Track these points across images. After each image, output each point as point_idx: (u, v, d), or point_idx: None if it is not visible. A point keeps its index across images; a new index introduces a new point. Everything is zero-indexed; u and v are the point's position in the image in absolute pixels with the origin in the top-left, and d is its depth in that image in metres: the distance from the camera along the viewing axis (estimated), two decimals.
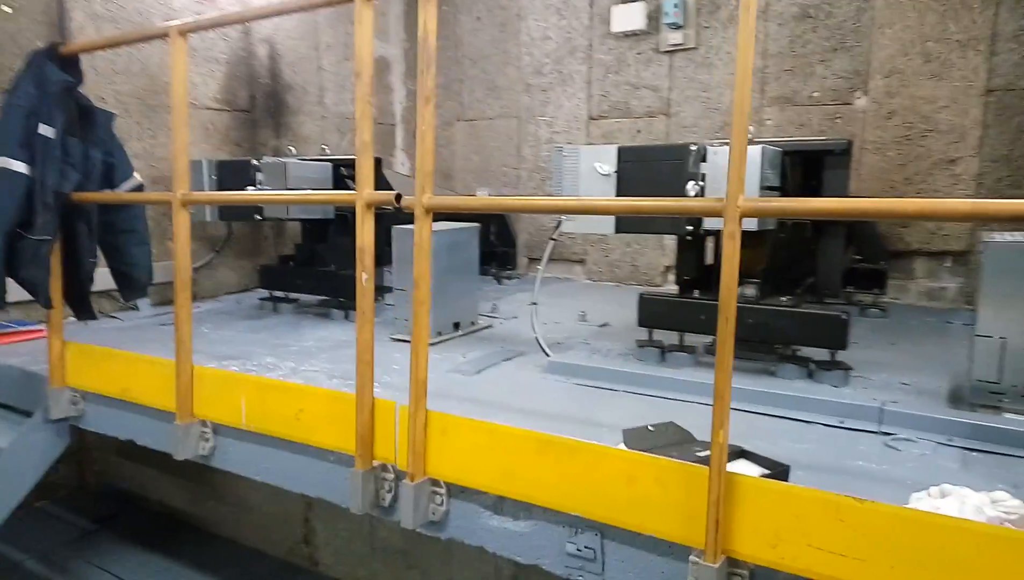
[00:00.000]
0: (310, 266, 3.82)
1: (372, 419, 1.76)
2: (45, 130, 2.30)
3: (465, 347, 3.01)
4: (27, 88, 2.30)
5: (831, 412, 2.08)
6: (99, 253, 2.60)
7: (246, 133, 4.48)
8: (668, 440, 1.71)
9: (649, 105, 4.55)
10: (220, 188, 3.73)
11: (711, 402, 2.24)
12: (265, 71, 4.57)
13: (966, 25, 3.59)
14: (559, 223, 2.71)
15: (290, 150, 3.89)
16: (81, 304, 2.52)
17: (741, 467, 1.59)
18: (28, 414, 2.79)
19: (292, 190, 3.48)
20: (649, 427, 1.76)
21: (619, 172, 2.53)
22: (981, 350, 2.01)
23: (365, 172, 1.70)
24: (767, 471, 1.57)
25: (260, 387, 1.98)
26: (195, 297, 4.18)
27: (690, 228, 2.50)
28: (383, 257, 3.86)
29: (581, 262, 4.97)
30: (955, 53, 3.62)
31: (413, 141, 5.74)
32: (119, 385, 2.32)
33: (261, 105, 4.56)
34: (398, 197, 1.68)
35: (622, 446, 1.76)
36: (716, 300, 2.65)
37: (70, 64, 2.39)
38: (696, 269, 2.85)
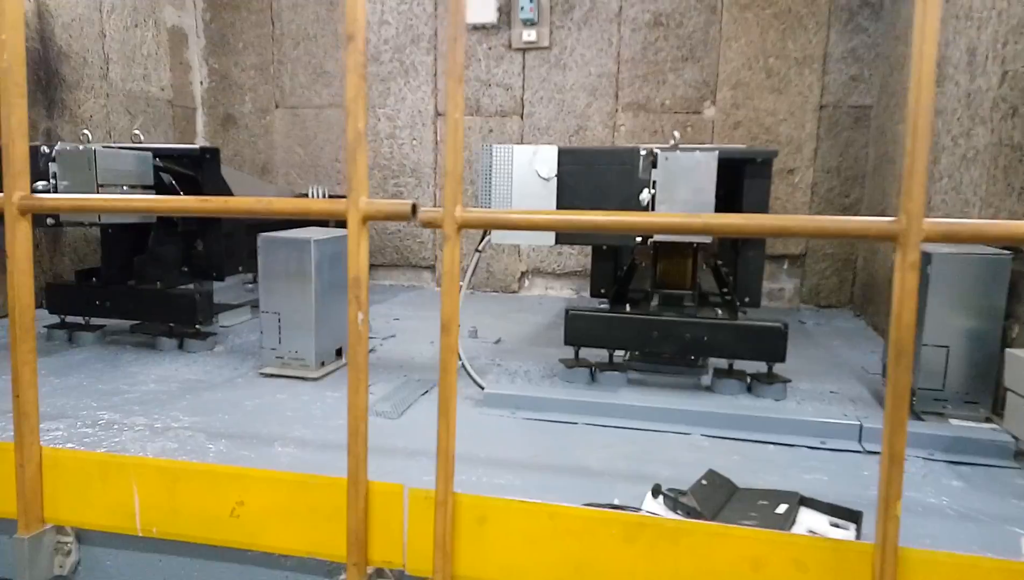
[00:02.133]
0: (122, 283, 3.00)
1: (367, 510, 1.30)
2: None
3: None
4: None
5: (808, 432, 2.03)
6: None
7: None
8: (726, 496, 1.49)
9: (501, 104, 4.33)
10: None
11: (680, 429, 2.12)
12: (32, 32, 3.54)
13: (802, 44, 3.88)
14: (485, 234, 2.38)
15: (84, 135, 3.02)
16: None
17: (810, 520, 1.42)
18: None
19: (103, 185, 2.69)
20: (703, 482, 1.53)
21: (559, 176, 2.26)
22: (928, 359, 2.09)
23: (360, 173, 1.24)
24: (838, 520, 1.42)
25: (163, 472, 1.38)
26: None
27: (639, 240, 2.32)
28: (217, 262, 3.18)
29: (431, 268, 4.61)
30: (793, 70, 3.91)
31: (219, 129, 4.92)
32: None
33: (29, 77, 3.51)
34: (414, 208, 1.25)
35: (657, 503, 1.51)
36: (649, 314, 2.53)
37: None
38: (617, 281, 2.69)
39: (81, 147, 2.68)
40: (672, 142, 2.42)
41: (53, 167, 2.68)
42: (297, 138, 4.73)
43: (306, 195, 4.40)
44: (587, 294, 4.33)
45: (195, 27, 4.76)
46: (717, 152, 2.19)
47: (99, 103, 3.94)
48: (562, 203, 2.26)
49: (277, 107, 4.74)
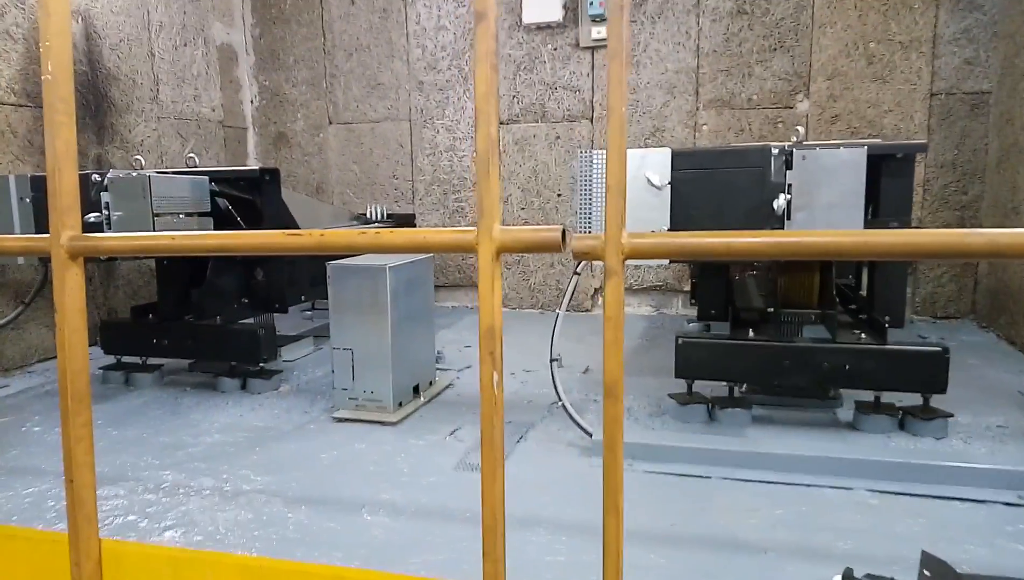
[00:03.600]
0: (179, 318, 2.78)
1: None
2: None
3: (441, 421, 2.25)
4: None
5: (999, 483, 1.66)
6: None
7: None
8: None
9: (569, 108, 4.03)
10: (38, 214, 2.59)
11: (837, 482, 1.76)
12: (80, 55, 3.38)
13: (908, 26, 3.49)
14: None
15: (137, 161, 2.83)
16: None
17: None
18: None
19: (158, 214, 2.47)
20: (925, 572, 1.18)
21: (673, 183, 1.94)
22: None
23: (493, 193, 0.95)
24: None
25: (246, 572, 1.11)
26: None
27: None
28: (279, 292, 2.94)
29: None
30: (898, 55, 3.52)
31: (271, 148, 4.73)
32: None
33: (77, 101, 3.35)
34: (564, 234, 0.94)
35: None
36: (777, 341, 2.18)
37: None
38: (728, 300, 2.35)
39: (135, 174, 2.47)
40: (794, 139, 2.08)
41: (105, 196, 2.47)
42: (352, 155, 4.50)
43: (364, 215, 4.17)
44: (669, 312, 3.99)
45: (244, 44, 4.59)
46: (866, 148, 1.84)
47: (150, 127, 3.77)
48: (677, 214, 1.94)
49: (331, 123, 4.52)
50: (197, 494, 1.74)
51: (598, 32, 3.91)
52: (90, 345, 3.34)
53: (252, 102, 4.65)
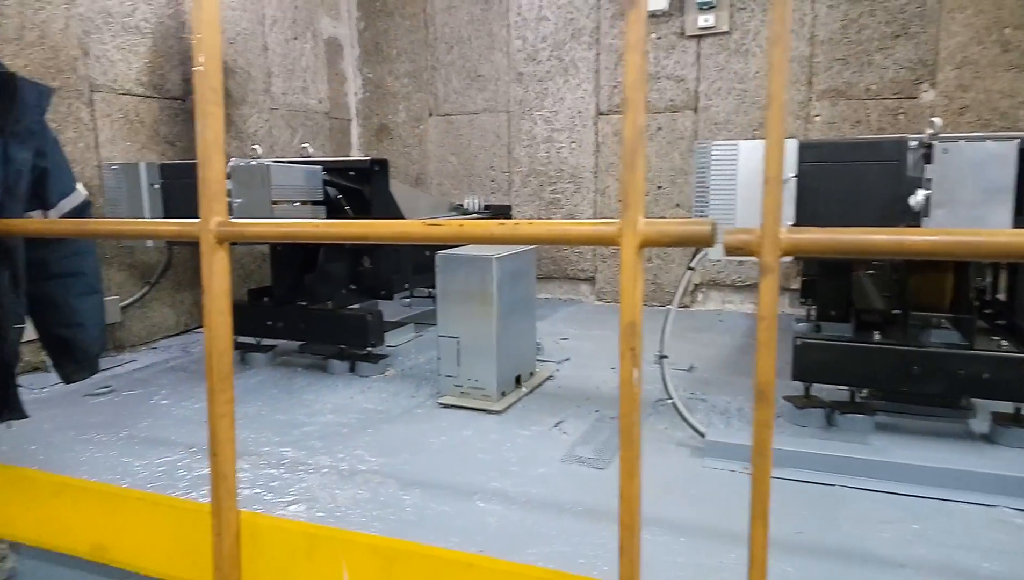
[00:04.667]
0: (292, 303, 2.89)
1: None
2: None
3: (545, 412, 2.24)
4: None
5: None
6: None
7: (180, 128, 3.45)
8: None
9: (672, 98, 3.93)
10: (167, 200, 2.75)
11: (976, 498, 1.64)
12: None
13: None
14: (698, 249, 2.01)
15: (254, 150, 2.96)
16: (3, 397, 1.54)
17: None
18: None
19: (276, 201, 2.57)
20: None
21: (799, 176, 1.86)
22: None
23: (638, 185, 0.92)
24: None
25: (376, 552, 1.13)
26: (124, 346, 3.14)
27: None
28: (385, 280, 3.01)
29: (589, 281, 4.28)
30: None
31: (373, 139, 4.85)
32: (89, 539, 1.39)
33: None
34: (713, 228, 0.91)
35: None
36: (908, 345, 2.06)
37: None
38: (849, 301, 2.24)
39: (254, 163, 2.58)
40: (930, 131, 1.94)
41: (228, 185, 2.59)
42: (450, 146, 4.56)
43: (461, 206, 4.22)
44: (777, 309, 3.84)
45: (350, 37, 4.71)
46: (1017, 141, 1.70)
47: (262, 117, 3.94)
48: (802, 208, 1.86)
49: (431, 115, 4.59)
50: (316, 471, 1.81)
51: (705, 20, 3.79)
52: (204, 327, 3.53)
53: (356, 94, 4.77)
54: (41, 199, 1.61)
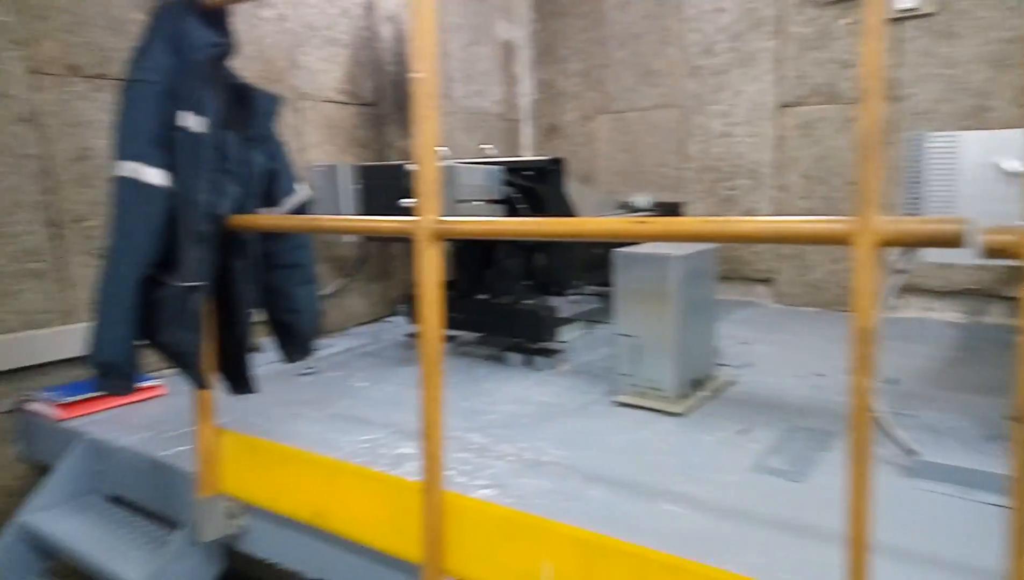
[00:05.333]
0: (472, 297, 3.02)
1: None
2: (190, 120, 1.52)
3: (729, 418, 2.16)
4: (157, 56, 1.52)
5: None
6: None
7: (372, 132, 3.72)
8: None
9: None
10: (366, 199, 2.96)
11: None
12: (391, 56, 3.80)
13: None
14: (909, 249, 1.85)
15: (440, 153, 3.12)
16: (237, 374, 1.75)
17: None
18: (163, 519, 2.05)
19: (461, 200, 2.69)
20: None
21: None
22: None
23: (874, 182, 0.87)
24: None
25: (579, 545, 1.16)
26: (323, 332, 3.44)
27: None
28: (559, 276, 3.06)
29: (767, 281, 4.08)
30: None
31: (543, 139, 4.94)
32: (309, 504, 1.54)
33: (388, 97, 3.79)
34: (971, 229, 0.84)
35: None
36: None
37: (214, 22, 1.61)
38: None
39: (442, 164, 2.71)
40: None
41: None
42: (620, 144, 4.53)
43: (629, 203, 4.17)
44: (984, 319, 3.44)
45: (524, 39, 4.82)
46: None
47: (442, 121, 4.13)
48: None
49: (601, 113, 4.59)
50: (501, 458, 1.87)
51: (906, 2, 3.47)
52: (393, 315, 3.78)
53: (528, 95, 4.88)
54: (269, 198, 1.79)
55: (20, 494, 2.48)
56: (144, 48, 1.54)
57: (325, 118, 3.42)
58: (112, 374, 1.52)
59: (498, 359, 2.87)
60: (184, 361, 1.59)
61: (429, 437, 1.29)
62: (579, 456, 1.88)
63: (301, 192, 1.90)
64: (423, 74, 1.32)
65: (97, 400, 2.41)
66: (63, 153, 2.52)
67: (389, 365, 2.92)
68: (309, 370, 2.79)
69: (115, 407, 2.42)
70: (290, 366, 2.67)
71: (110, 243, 1.53)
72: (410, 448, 1.96)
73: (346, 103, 3.55)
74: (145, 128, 1.49)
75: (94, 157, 2.60)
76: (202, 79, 1.52)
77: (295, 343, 1.94)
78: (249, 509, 1.75)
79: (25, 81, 2.39)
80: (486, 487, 1.68)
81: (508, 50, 4.71)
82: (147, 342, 1.57)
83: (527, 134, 4.90)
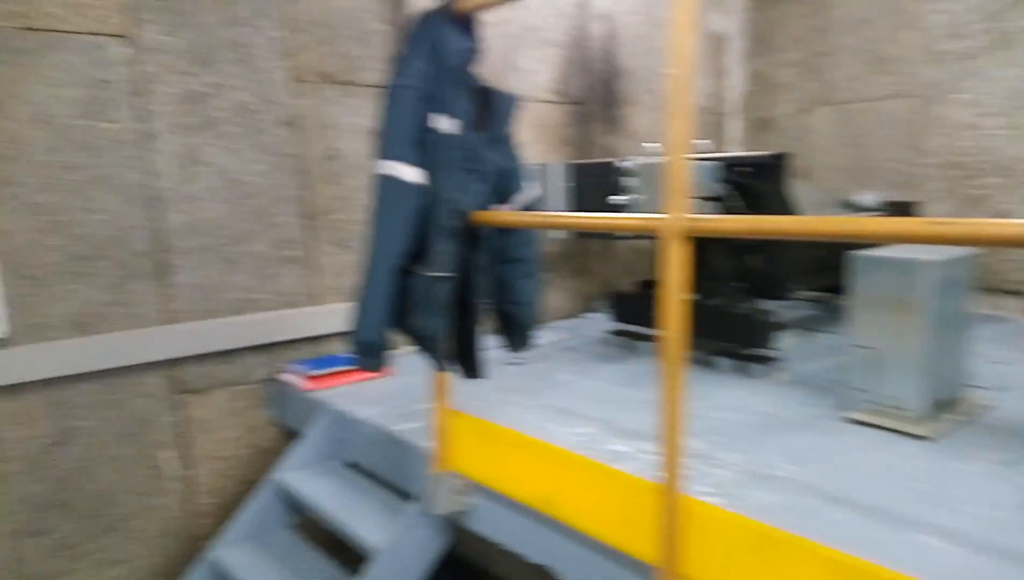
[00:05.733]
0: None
1: None
2: (442, 122, 1.63)
3: (988, 447, 1.91)
4: (418, 62, 1.64)
5: None
6: None
7: (578, 130, 3.76)
8: None
9: None
10: (577, 196, 3.01)
11: None
12: (601, 54, 3.81)
13: None
14: None
15: (647, 147, 3.09)
16: (469, 359, 1.85)
17: None
18: (394, 488, 2.23)
19: None
20: None
21: None
22: None
23: None
24: None
25: (837, 568, 1.09)
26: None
27: None
28: (778, 281, 2.90)
29: (1017, 294, 3.57)
30: None
31: (753, 134, 4.71)
32: (538, 490, 1.60)
33: (595, 95, 3.81)
34: None
35: None
36: None
37: (466, 29, 1.71)
38: None
39: (656, 160, 2.67)
40: None
41: (630, 181, 2.73)
42: (841, 137, 4.19)
43: (851, 202, 3.84)
44: None
45: (736, 30, 4.62)
46: None
47: (648, 116, 4.08)
48: None
49: (820, 105, 4.27)
50: (725, 467, 1.80)
51: None
52: (589, 311, 3.82)
53: (737, 88, 4.67)
54: (502, 195, 1.87)
55: (272, 453, 2.83)
56: (405, 55, 1.67)
57: (536, 117, 3.52)
58: (368, 353, 1.68)
59: (705, 363, 2.78)
60: (428, 344, 1.71)
61: (669, 439, 1.28)
62: (813, 473, 1.76)
63: (531, 190, 1.96)
64: (677, 71, 1.30)
65: (337, 375, 2.68)
66: (316, 152, 2.81)
67: (592, 360, 2.94)
68: (518, 361, 2.89)
69: (352, 382, 2.67)
70: (500, 354, 2.81)
71: (371, 235, 1.68)
72: (624, 446, 1.95)
73: (556, 102, 3.62)
74: (405, 130, 1.61)
75: (340, 157, 2.88)
76: (455, 83, 1.62)
77: (517, 333, 2.01)
78: (477, 488, 1.85)
79: (288, 89, 2.71)
80: (711, 495, 1.63)
81: (718, 41, 4.53)
82: (397, 325, 1.71)
83: (735, 128, 4.69)
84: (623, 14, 3.86)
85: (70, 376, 2.35)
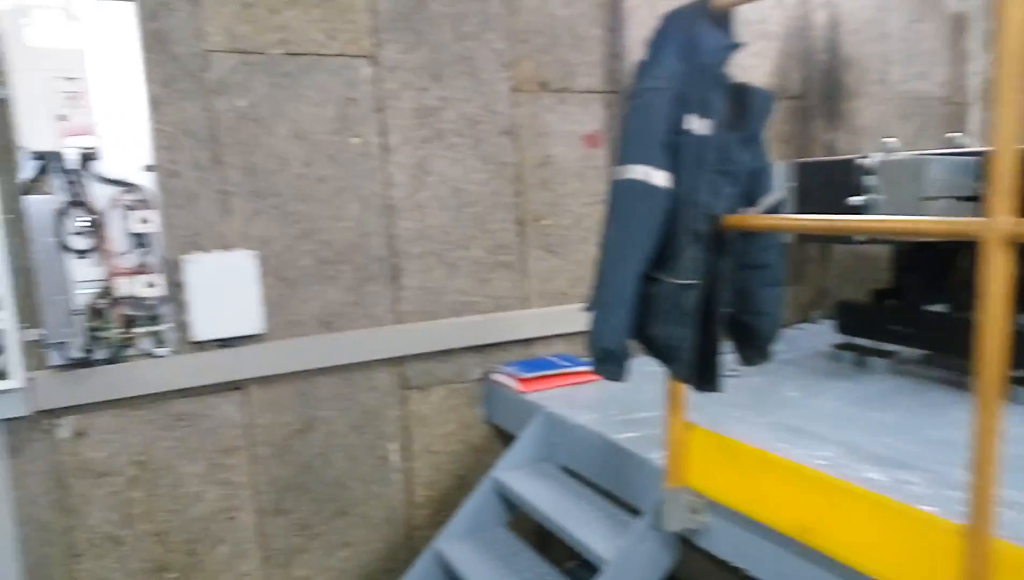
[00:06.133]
0: (918, 309, 2.64)
1: None
2: (695, 124, 1.56)
3: None
4: (669, 63, 1.59)
5: None
6: None
7: (796, 126, 3.52)
8: None
9: None
10: (803, 198, 2.80)
11: None
12: (822, 45, 3.54)
13: None
14: None
15: (889, 144, 2.80)
16: (708, 371, 1.76)
17: None
18: (611, 496, 2.21)
19: (926, 197, 2.36)
20: None
21: None
22: None
23: None
24: None
25: None
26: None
27: None
28: None
29: None
30: None
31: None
32: (792, 516, 1.48)
33: (815, 89, 3.54)
34: None
35: None
36: None
37: (723, 24, 1.62)
38: None
39: (903, 157, 2.41)
40: None
41: (870, 181, 2.49)
42: None
43: None
44: None
45: (979, 10, 4.08)
46: None
47: (875, 110, 3.72)
48: None
49: None
50: (1012, 506, 1.57)
51: None
52: (804, 321, 3.55)
53: (980, 74, 4.13)
54: (750, 197, 1.76)
55: (482, 450, 2.93)
56: (654, 56, 1.63)
57: None
58: (610, 360, 1.65)
59: (958, 384, 2.46)
60: (672, 355, 1.65)
61: (980, 474, 1.11)
62: None
63: (777, 192, 1.83)
64: (1007, 52, 1.13)
65: (549, 378, 2.70)
66: (530, 160, 2.86)
67: (817, 376, 2.72)
68: (732, 372, 2.74)
69: (564, 386, 2.68)
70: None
71: (613, 240, 1.65)
72: (877, 474, 1.77)
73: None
74: (656, 133, 1.57)
75: (552, 163, 2.91)
76: (711, 82, 1.55)
77: (754, 346, 1.89)
78: (713, 506, 1.76)
79: (508, 98, 2.78)
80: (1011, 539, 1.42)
81: (958, 24, 4.03)
82: (636, 335, 1.67)
83: (977, 119, 4.15)
84: (847, 0, 3.56)
85: (314, 370, 2.57)
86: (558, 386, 2.69)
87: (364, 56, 2.49)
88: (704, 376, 1.81)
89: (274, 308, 2.47)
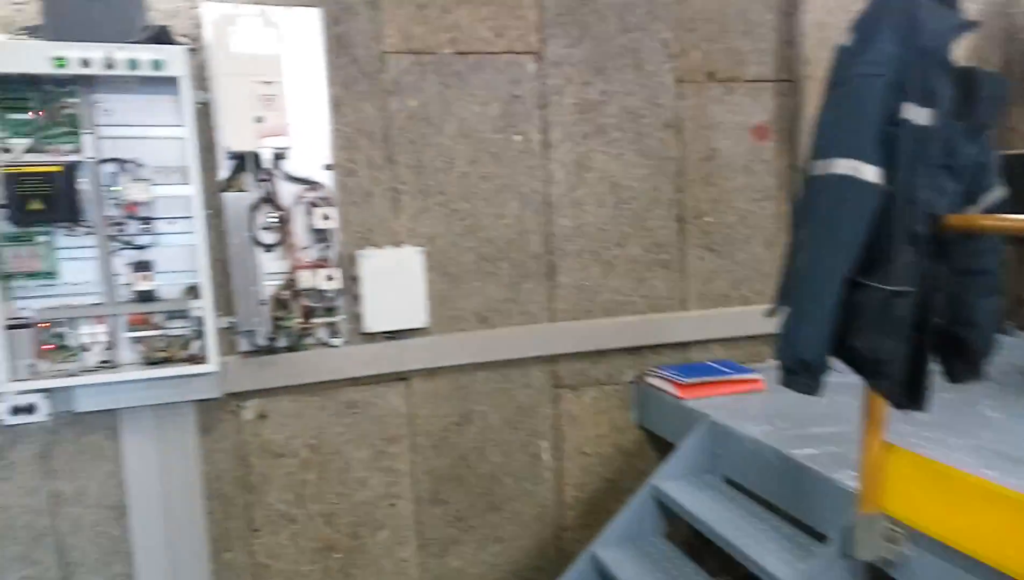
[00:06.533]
0: None
1: None
2: (914, 113, 1.40)
3: None
4: (883, 46, 1.43)
5: None
6: None
7: None
8: None
9: None
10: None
11: None
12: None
13: None
14: None
15: None
16: (914, 388, 1.59)
17: None
18: (787, 517, 2.07)
19: None
20: None
21: None
22: None
23: None
24: None
25: None
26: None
27: None
28: None
29: None
30: None
31: None
32: (1016, 555, 1.30)
33: (1017, 73, 3.16)
34: None
35: None
36: None
37: (948, 2, 1.45)
38: None
39: None
40: None
41: None
42: None
43: None
44: None
45: None
46: None
47: None
48: None
49: None
50: None
51: None
52: (1010, 333, 3.18)
53: None
54: (970, 194, 1.57)
55: (633, 455, 2.85)
56: (863, 40, 1.48)
57: None
58: (806, 372, 1.52)
59: None
60: (878, 370, 1.50)
61: None
62: None
63: (999, 188, 1.63)
64: None
65: (711, 385, 2.58)
66: (694, 154, 2.74)
67: (1019, 395, 2.42)
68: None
69: (727, 394, 2.55)
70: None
71: (813, 241, 1.52)
72: None
73: None
74: (869, 124, 1.42)
75: (717, 157, 2.77)
76: (935, 67, 1.39)
77: (965, 361, 1.68)
78: (914, 536, 1.59)
79: (673, 90, 2.67)
80: None
81: None
82: (835, 346, 1.53)
83: None
84: None
85: (472, 364, 2.59)
86: (720, 394, 2.56)
87: (530, 52, 2.48)
88: (910, 394, 1.63)
89: (437, 303, 2.51)
